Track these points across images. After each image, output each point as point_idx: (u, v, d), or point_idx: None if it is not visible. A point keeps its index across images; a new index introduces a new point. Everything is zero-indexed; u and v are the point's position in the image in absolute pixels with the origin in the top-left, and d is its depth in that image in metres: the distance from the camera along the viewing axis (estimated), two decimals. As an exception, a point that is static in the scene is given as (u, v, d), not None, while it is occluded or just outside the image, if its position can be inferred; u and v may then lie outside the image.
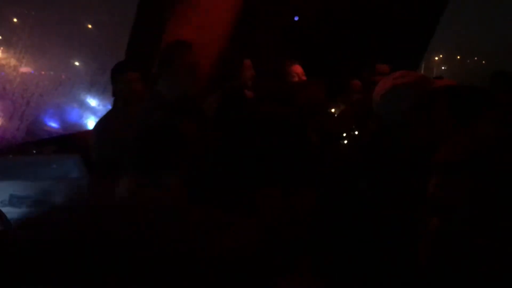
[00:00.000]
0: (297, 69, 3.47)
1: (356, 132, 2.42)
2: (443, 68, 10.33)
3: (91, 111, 5.56)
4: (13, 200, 2.68)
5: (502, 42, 9.41)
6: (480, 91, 1.83)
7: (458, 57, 10.32)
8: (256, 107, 1.98)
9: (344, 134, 2.49)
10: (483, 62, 9.85)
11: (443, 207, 1.79)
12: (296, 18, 4.17)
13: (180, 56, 2.45)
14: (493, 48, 9.59)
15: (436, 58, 10.23)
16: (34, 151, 3.74)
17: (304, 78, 3.38)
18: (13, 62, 4.82)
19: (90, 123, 5.30)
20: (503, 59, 9.57)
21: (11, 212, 2.25)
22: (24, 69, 4.95)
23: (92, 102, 5.63)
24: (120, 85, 2.82)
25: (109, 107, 3.64)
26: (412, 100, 1.80)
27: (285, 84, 3.27)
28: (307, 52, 4.04)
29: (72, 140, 4.24)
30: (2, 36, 4.96)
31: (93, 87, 5.47)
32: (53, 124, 5.34)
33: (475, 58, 9.96)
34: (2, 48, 4.91)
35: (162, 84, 2.44)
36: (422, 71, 10.17)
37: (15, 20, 4.94)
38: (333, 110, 2.99)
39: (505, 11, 7.91)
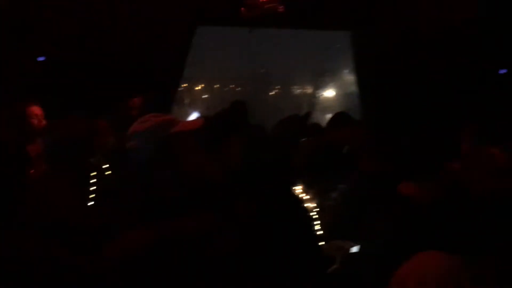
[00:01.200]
0: (36, 110, 3.39)
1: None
2: (204, 96, 11.34)
3: None
4: None
5: (251, 71, 10.87)
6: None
7: (216, 85, 11.46)
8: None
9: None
10: (238, 89, 11.18)
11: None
12: (42, 59, 4.12)
13: None
14: (245, 77, 10.98)
15: (197, 88, 11.18)
16: None
17: (43, 120, 3.31)
18: None
19: None
20: (253, 85, 11.16)
21: None
22: None
23: None
24: None
25: None
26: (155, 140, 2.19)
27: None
28: (53, 91, 4.05)
29: None
30: None
31: None
32: None
33: (231, 86, 11.23)
34: None
35: None
36: (187, 100, 11.07)
37: None
38: None
39: (251, 44, 9.11)
